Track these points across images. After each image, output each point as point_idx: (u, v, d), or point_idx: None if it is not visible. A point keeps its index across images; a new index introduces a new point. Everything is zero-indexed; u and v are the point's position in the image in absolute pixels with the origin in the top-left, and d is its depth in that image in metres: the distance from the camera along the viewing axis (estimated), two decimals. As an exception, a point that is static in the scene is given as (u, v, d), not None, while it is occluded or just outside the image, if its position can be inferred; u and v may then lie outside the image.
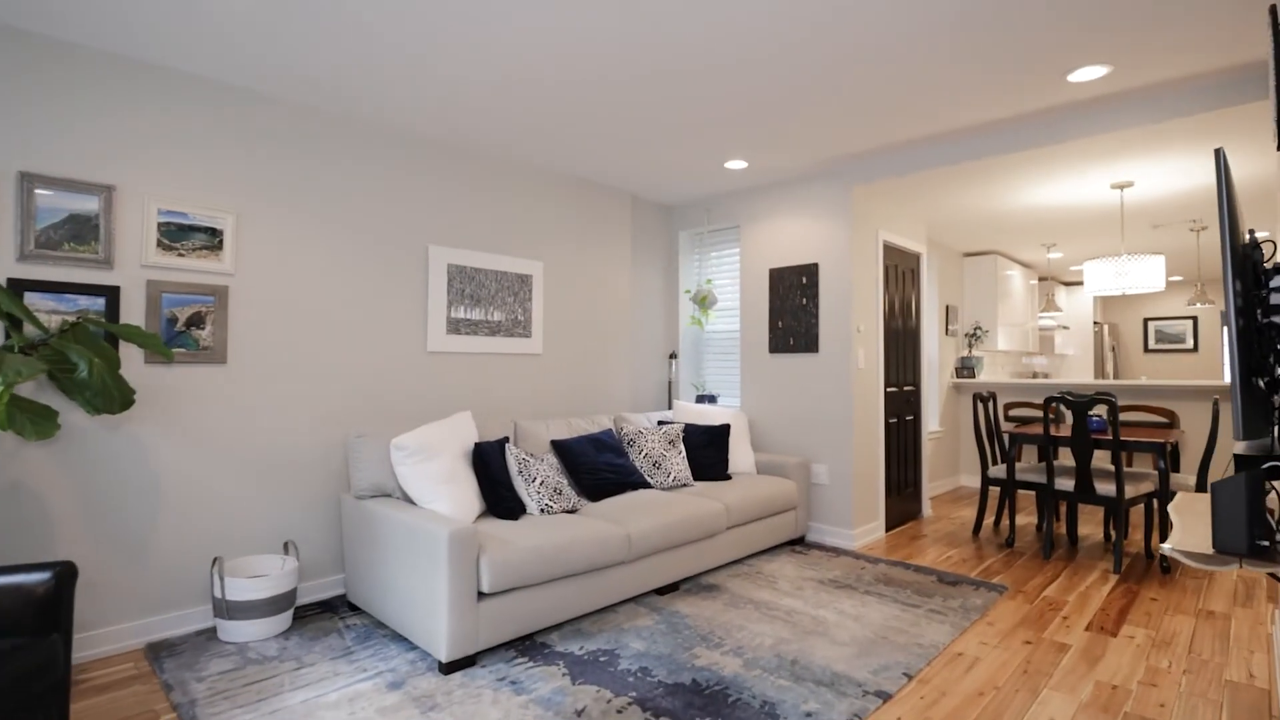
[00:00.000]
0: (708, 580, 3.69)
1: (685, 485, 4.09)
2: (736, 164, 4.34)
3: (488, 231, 4.10)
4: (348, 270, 3.50)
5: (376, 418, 3.58)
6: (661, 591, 3.48)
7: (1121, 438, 4.00)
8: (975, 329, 6.83)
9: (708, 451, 4.34)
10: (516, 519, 3.18)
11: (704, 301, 4.95)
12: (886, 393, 4.84)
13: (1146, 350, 9.65)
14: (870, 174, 4.32)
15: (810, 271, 4.57)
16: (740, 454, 4.49)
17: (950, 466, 6.58)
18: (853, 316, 4.40)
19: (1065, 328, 8.28)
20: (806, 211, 4.62)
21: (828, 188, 4.51)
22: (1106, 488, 3.98)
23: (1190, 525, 2.06)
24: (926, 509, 5.34)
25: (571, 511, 3.46)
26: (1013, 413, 6.31)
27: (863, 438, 4.51)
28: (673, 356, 5.33)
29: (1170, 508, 2.30)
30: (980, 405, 5.16)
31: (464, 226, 3.98)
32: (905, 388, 5.12)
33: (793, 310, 4.66)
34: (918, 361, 5.31)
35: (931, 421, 6.27)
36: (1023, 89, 3.19)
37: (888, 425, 4.86)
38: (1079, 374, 8.85)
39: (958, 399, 6.75)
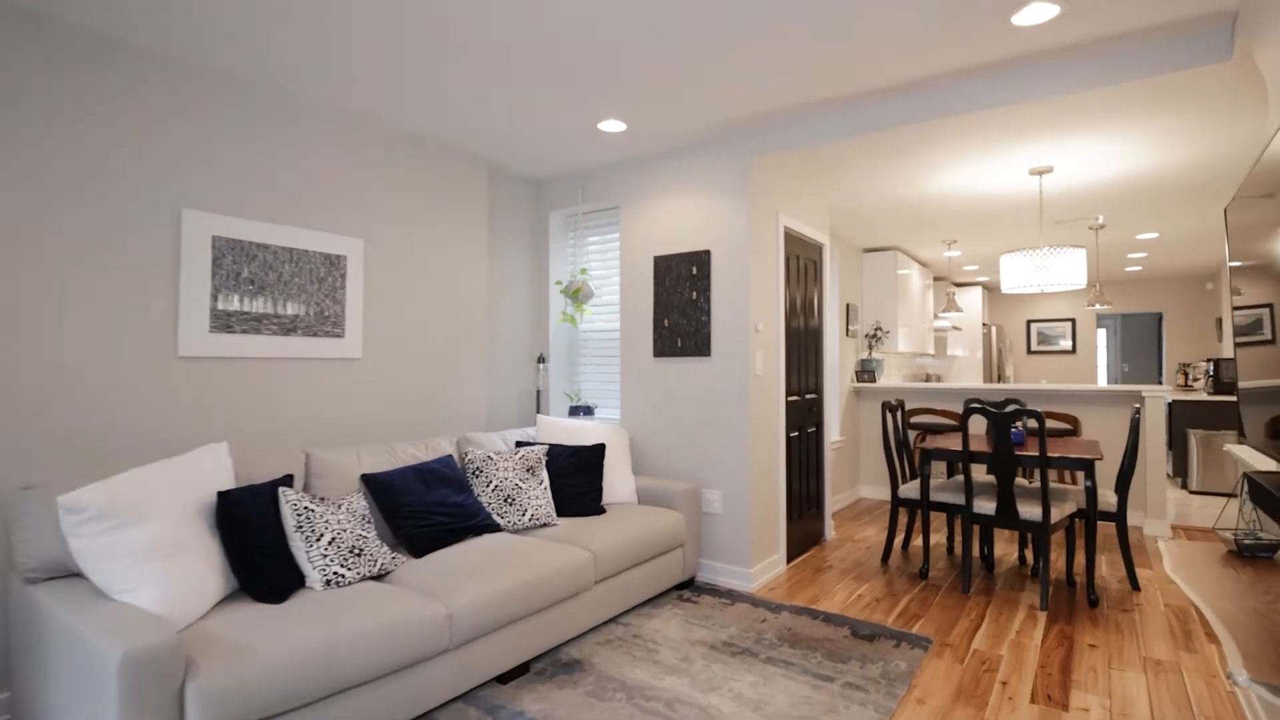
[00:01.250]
0: (570, 653, 2.85)
1: (546, 525, 3.23)
2: (613, 125, 3.52)
3: (280, 195, 3.06)
4: (40, 241, 2.38)
5: (87, 455, 2.48)
6: (505, 678, 2.60)
7: (1049, 453, 3.52)
8: (876, 329, 6.40)
9: (577, 479, 3.50)
10: (284, 600, 2.20)
11: (577, 295, 4.11)
12: (788, 402, 4.20)
13: (1029, 352, 9.76)
14: (771, 143, 3.63)
15: (701, 260, 3.84)
16: (618, 480, 3.69)
17: (850, 478, 6.10)
18: (750, 314, 3.70)
19: (957, 329, 8.13)
20: (697, 188, 3.89)
21: (722, 160, 3.79)
22: (1030, 510, 3.49)
23: (1239, 631, 1.44)
24: (829, 531, 4.76)
25: (378, 577, 2.52)
26: (914, 420, 5.90)
27: (761, 457, 3.82)
28: (541, 361, 4.46)
29: (1171, 571, 1.69)
30: (889, 416, 4.62)
31: (242, 186, 2.93)
32: (807, 395, 4.50)
33: (681, 306, 3.91)
34: (820, 366, 4.72)
35: (833, 431, 5.75)
36: (959, 35, 2.56)
37: (788, 440, 4.21)
38: (970, 376, 8.76)
39: (858, 404, 6.29)
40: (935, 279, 8.62)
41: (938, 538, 4.77)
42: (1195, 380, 7.33)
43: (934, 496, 3.94)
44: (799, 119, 3.50)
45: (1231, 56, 2.55)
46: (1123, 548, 3.71)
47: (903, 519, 5.24)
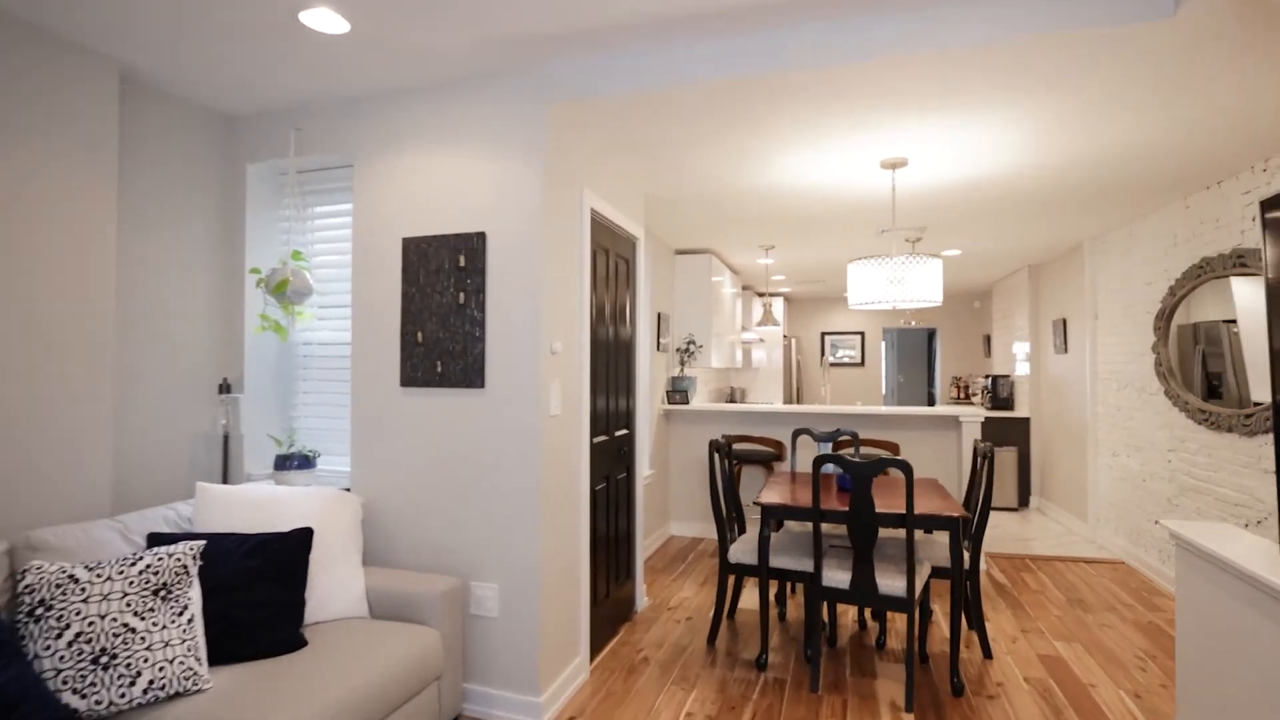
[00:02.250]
0: None
1: (181, 694, 1.83)
2: (325, 19, 2.21)
3: None
4: None
5: None
6: None
7: (915, 511, 2.83)
8: (689, 343, 5.64)
9: (257, 592, 2.12)
10: None
11: (283, 290, 2.70)
12: (594, 444, 3.16)
13: (822, 364, 9.84)
14: (572, 84, 2.55)
15: (473, 247, 2.64)
16: (338, 582, 2.36)
17: (660, 515, 5.25)
18: (544, 327, 2.59)
19: (763, 340, 7.77)
20: (469, 142, 2.69)
21: (505, 102, 2.64)
22: (891, 583, 2.79)
23: None
24: (641, 598, 3.80)
25: None
26: (733, 448, 5.21)
27: (557, 528, 2.73)
28: (225, 389, 2.94)
29: None
30: (717, 458, 3.77)
31: None
32: (618, 433, 3.50)
33: (442, 313, 2.68)
34: (632, 389, 3.75)
35: (644, 466, 4.84)
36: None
37: (593, 495, 3.17)
38: (773, 389, 8.48)
39: (669, 428, 5.47)
40: (743, 288, 8.22)
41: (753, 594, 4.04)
42: (973, 395, 7.65)
43: (774, 561, 3.14)
44: (615, 48, 2.46)
45: (1174, 13, 1.96)
46: (976, 612, 3.20)
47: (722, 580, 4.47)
